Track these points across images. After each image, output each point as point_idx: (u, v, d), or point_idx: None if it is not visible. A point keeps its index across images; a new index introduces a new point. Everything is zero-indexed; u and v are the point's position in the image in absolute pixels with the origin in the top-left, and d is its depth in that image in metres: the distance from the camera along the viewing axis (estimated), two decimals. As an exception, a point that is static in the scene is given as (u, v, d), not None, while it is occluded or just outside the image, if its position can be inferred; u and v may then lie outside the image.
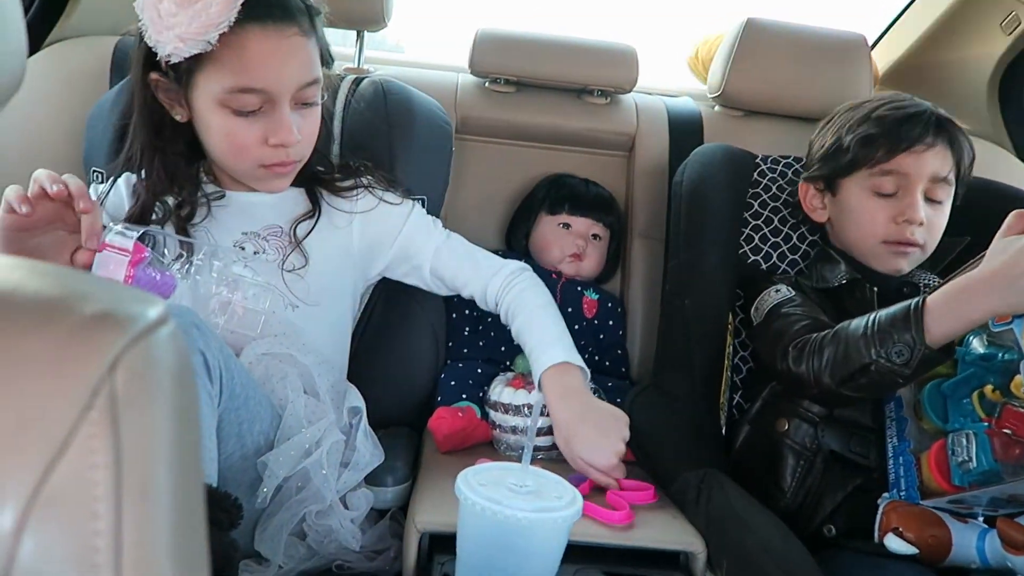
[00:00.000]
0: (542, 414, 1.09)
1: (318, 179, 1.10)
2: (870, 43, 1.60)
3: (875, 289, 1.09)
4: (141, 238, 0.78)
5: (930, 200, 1.10)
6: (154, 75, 0.97)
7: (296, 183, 1.09)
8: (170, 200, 1.05)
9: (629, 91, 1.55)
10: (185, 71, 0.93)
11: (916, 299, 0.86)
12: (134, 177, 1.07)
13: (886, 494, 0.95)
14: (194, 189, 1.06)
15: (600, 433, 1.00)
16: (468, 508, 0.71)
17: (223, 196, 1.08)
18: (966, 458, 0.84)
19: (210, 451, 0.80)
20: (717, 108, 1.60)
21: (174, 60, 0.91)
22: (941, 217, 1.12)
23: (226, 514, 0.70)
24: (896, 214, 1.09)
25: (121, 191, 1.08)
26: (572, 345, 1.07)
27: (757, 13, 1.50)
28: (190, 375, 0.34)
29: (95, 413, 0.27)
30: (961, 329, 0.84)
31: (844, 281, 1.12)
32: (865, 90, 1.50)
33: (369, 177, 1.13)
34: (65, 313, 0.29)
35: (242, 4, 0.88)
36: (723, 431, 1.19)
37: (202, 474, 0.33)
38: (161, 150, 1.02)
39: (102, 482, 0.26)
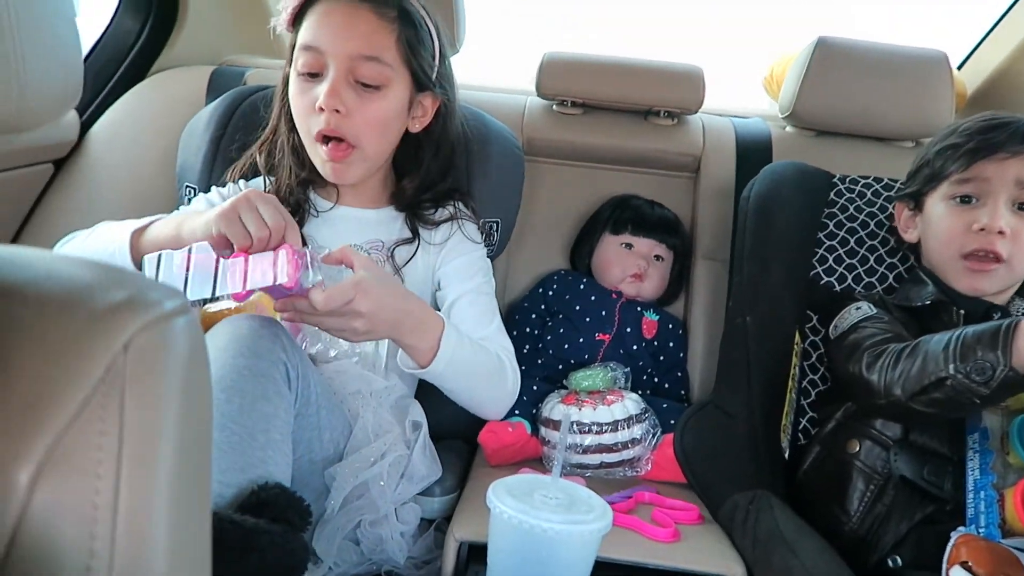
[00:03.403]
0: (577, 431, 1.09)
1: (417, 212, 1.16)
2: (956, 63, 1.54)
3: (962, 312, 1.04)
4: None
5: (1021, 208, 1.04)
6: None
7: (399, 207, 1.16)
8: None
9: (695, 111, 1.54)
10: (293, 46, 1.05)
11: (1010, 319, 0.83)
12: (233, 187, 1.17)
13: (962, 527, 0.90)
14: (304, 197, 1.14)
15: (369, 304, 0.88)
16: (497, 517, 0.73)
17: (332, 208, 1.15)
18: None
19: (286, 455, 0.82)
20: (788, 128, 1.57)
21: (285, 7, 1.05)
22: None
23: (299, 516, 0.72)
24: (974, 222, 1.03)
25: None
26: (461, 340, 1.02)
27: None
28: (202, 363, 0.37)
29: (105, 386, 0.31)
30: None
31: (929, 302, 1.07)
32: (947, 109, 1.44)
33: (461, 207, 1.18)
34: (88, 301, 0.33)
35: None
36: (785, 454, 1.16)
37: (209, 456, 0.37)
38: (291, 135, 1.12)
39: (106, 447, 0.30)
